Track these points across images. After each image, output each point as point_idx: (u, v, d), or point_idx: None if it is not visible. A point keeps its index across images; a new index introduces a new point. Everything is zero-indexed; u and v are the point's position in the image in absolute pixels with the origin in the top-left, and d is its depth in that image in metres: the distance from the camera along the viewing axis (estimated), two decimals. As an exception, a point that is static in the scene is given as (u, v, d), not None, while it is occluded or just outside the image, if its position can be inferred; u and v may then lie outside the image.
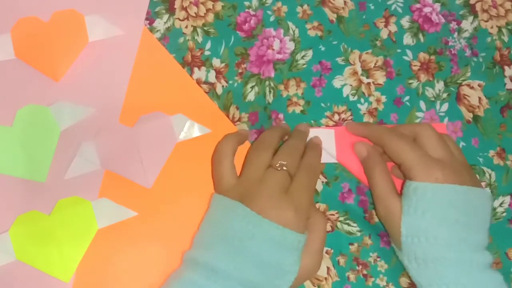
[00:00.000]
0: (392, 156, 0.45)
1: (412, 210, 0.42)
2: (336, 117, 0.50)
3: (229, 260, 0.39)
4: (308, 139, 0.48)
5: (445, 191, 0.42)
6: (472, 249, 0.42)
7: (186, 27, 0.51)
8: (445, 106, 0.51)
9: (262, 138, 0.46)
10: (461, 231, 0.42)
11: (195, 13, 0.52)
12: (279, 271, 0.40)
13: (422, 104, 0.51)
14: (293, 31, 0.52)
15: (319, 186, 0.49)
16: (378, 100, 0.51)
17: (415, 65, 0.52)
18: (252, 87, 0.51)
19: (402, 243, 0.43)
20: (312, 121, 0.50)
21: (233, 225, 0.40)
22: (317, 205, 0.49)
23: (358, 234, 0.48)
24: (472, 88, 0.52)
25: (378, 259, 0.48)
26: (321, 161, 0.48)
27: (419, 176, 0.43)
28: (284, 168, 0.43)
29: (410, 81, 0.52)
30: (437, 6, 0.53)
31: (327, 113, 0.50)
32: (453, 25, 0.53)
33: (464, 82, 0.52)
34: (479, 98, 0.52)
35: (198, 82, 0.50)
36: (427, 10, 0.53)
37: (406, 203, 0.43)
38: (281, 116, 0.50)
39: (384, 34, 0.52)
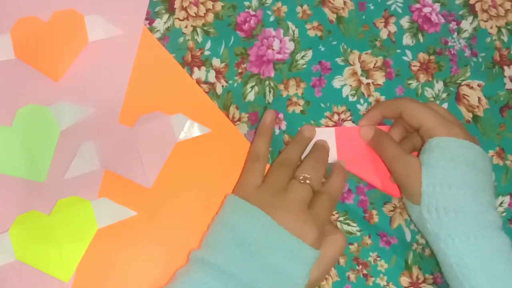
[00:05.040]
0: (411, 120, 0.46)
1: (434, 161, 0.43)
2: (336, 117, 0.50)
3: (243, 265, 0.39)
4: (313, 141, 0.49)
5: (467, 147, 0.43)
6: (491, 207, 0.42)
7: (186, 27, 0.51)
8: (445, 106, 0.51)
9: (285, 154, 0.46)
10: (481, 187, 0.42)
11: (195, 13, 0.52)
12: (290, 283, 0.40)
13: (422, 104, 0.51)
14: (293, 31, 0.52)
15: (319, 186, 0.49)
16: (377, 101, 0.51)
17: (414, 66, 0.52)
18: (252, 87, 0.51)
19: (422, 193, 0.42)
20: (311, 121, 0.50)
21: (251, 231, 0.40)
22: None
23: (358, 234, 0.48)
24: (471, 88, 0.52)
25: (378, 258, 0.48)
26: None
27: (441, 133, 0.43)
28: (308, 181, 0.43)
29: (410, 82, 0.52)
30: (437, 6, 0.53)
31: (327, 113, 0.51)
32: (453, 25, 0.53)
33: (463, 82, 0.52)
34: (479, 98, 0.52)
35: (198, 82, 0.51)
36: (426, 10, 0.53)
37: (426, 156, 0.43)
38: (281, 116, 0.50)
39: (383, 34, 0.53)
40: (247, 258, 0.39)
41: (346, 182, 0.47)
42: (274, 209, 0.41)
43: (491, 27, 0.54)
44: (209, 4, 0.52)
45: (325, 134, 0.49)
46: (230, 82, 0.51)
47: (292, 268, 0.40)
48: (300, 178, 0.43)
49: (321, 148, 0.47)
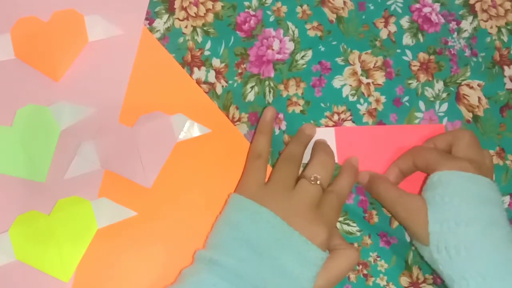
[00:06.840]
0: (419, 162, 0.45)
1: (439, 198, 0.41)
2: (336, 117, 0.50)
3: (252, 266, 0.39)
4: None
5: (470, 180, 0.42)
6: (508, 241, 0.40)
7: (186, 27, 0.52)
8: (445, 106, 0.51)
9: (289, 151, 0.46)
10: (492, 221, 0.40)
11: (195, 13, 0.52)
12: (297, 285, 0.39)
13: (422, 104, 0.51)
14: (293, 31, 0.52)
15: (319, 186, 0.49)
16: (377, 100, 0.51)
17: (414, 65, 0.52)
18: (252, 87, 0.51)
19: (430, 233, 0.41)
20: (311, 121, 0.50)
21: (260, 232, 0.40)
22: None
23: (358, 234, 0.48)
24: (471, 88, 0.52)
25: (378, 258, 0.48)
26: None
27: (443, 167, 0.42)
28: (318, 182, 0.43)
29: (410, 81, 0.52)
30: (437, 6, 0.54)
31: (327, 113, 0.51)
32: (453, 25, 0.53)
33: (463, 82, 0.52)
34: (479, 98, 0.52)
35: (198, 82, 0.51)
36: (426, 10, 0.53)
37: (430, 194, 0.42)
38: (281, 116, 0.50)
39: (383, 34, 0.53)
40: (255, 258, 0.39)
41: (355, 181, 0.47)
42: (284, 209, 0.41)
43: (491, 27, 0.54)
44: (209, 4, 0.52)
45: (325, 134, 0.49)
46: (230, 82, 0.51)
47: (300, 269, 0.39)
48: (311, 178, 0.43)
49: (326, 146, 0.47)
